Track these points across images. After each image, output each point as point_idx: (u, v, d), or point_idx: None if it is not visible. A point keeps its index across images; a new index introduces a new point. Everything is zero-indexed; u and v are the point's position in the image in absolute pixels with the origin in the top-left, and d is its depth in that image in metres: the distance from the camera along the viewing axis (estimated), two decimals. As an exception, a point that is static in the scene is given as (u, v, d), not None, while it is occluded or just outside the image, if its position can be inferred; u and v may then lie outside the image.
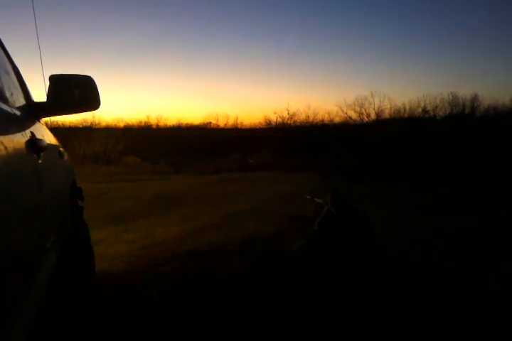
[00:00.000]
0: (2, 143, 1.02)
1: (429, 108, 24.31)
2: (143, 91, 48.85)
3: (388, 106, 26.02)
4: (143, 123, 27.74)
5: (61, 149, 2.59)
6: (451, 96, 23.90)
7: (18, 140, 1.28)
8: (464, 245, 4.51)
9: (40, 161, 1.52)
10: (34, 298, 1.20)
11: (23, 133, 1.42)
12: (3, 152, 1.01)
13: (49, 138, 2.15)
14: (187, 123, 27.80)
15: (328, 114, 27.99)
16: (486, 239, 4.74)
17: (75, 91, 1.97)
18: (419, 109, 24.42)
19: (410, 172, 10.88)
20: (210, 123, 25.77)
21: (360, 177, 10.45)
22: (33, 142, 1.48)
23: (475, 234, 4.92)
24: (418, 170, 10.96)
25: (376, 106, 26.12)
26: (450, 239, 4.80)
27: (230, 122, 29.60)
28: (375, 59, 45.33)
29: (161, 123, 28.30)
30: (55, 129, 3.35)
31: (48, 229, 1.58)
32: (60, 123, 21.37)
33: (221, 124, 29.36)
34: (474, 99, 23.31)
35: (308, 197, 4.70)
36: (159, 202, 8.20)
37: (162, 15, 45.91)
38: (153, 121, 28.24)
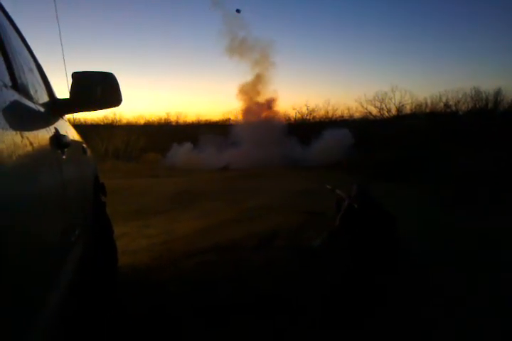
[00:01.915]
0: (27, 139, 1.04)
1: (451, 103, 23.89)
2: (163, 89, 49.33)
3: (409, 101, 25.68)
4: (163, 120, 27.93)
5: (84, 145, 2.63)
6: (473, 91, 23.41)
7: (43, 136, 1.30)
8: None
9: (64, 157, 1.55)
10: (60, 289, 1.23)
11: (48, 129, 1.45)
12: (29, 147, 1.03)
13: (72, 135, 2.18)
14: (206, 120, 27.85)
15: (348, 109, 27.65)
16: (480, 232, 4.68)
17: (97, 88, 1.99)
18: (441, 104, 24.03)
19: (431, 168, 10.71)
20: (230, 119, 25.73)
21: (381, 174, 10.33)
22: (57, 138, 1.50)
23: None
24: (439, 166, 10.80)
25: (397, 101, 25.81)
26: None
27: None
28: (396, 53, 44.83)
29: (181, 120, 28.44)
30: (77, 126, 3.40)
31: (72, 223, 1.61)
32: (82, 120, 21.78)
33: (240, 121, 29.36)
34: (497, 93, 22.73)
35: (328, 187, 4.67)
36: (179, 197, 8.27)
37: (186, 15, 46.13)
38: (172, 118, 28.40)
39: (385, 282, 3.24)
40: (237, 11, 18.36)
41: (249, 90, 20.03)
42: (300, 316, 2.73)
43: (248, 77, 22.33)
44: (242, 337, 2.49)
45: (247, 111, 20.46)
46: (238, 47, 19.36)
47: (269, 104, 20.09)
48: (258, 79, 19.79)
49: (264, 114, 20.03)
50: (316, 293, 3.09)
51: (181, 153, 17.45)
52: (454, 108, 23.75)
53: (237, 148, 17.54)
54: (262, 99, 20.04)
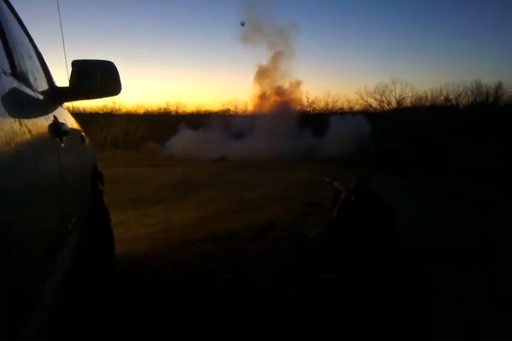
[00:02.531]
0: (26, 126, 1.04)
1: (451, 96, 23.83)
2: (163, 79, 49.08)
3: (410, 94, 25.60)
4: (162, 110, 27.80)
5: (83, 134, 2.63)
6: (474, 85, 23.36)
7: (42, 123, 1.30)
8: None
9: (62, 145, 1.55)
10: (57, 277, 1.24)
11: (46, 117, 1.45)
12: (27, 135, 1.03)
13: (71, 123, 2.18)
14: (206, 110, 27.73)
15: (348, 101, 27.56)
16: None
17: (96, 77, 1.98)
18: (442, 98, 23.97)
19: (433, 161, 10.74)
20: (229, 110, 25.64)
21: (381, 166, 10.34)
22: (56, 126, 1.50)
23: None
24: (440, 159, 10.82)
25: (397, 94, 25.73)
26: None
27: (249, 109, 29.38)
28: (397, 46, 44.56)
29: (180, 110, 28.31)
30: (76, 114, 3.39)
31: (69, 211, 1.61)
32: (81, 108, 21.67)
33: (240, 111, 29.26)
34: (498, 87, 22.68)
35: (326, 179, 4.68)
36: (177, 187, 8.28)
37: (186, 3, 45.73)
38: (172, 108, 28.27)
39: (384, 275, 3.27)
40: (242, 24, 18.10)
41: (270, 71, 18.36)
42: (294, 307, 2.76)
43: (258, 62, 20.12)
44: (239, 325, 2.51)
45: (262, 98, 18.92)
46: (255, 28, 17.97)
47: (292, 88, 18.60)
48: (279, 57, 18.00)
49: (282, 100, 18.48)
50: (311, 285, 3.12)
51: (181, 142, 16.75)
52: (454, 102, 23.75)
53: (241, 138, 16.86)
54: (284, 81, 18.57)
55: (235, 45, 45.53)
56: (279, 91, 18.86)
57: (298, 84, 18.89)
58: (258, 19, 18.23)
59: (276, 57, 18.41)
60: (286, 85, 18.82)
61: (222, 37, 51.53)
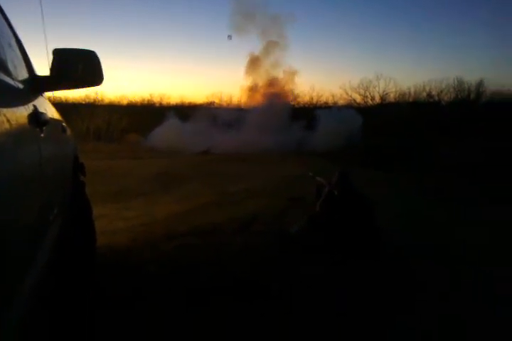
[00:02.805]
0: (4, 116, 1.01)
1: (434, 93, 24.10)
2: (146, 69, 48.51)
3: (393, 89, 25.80)
4: (146, 101, 27.52)
5: (64, 124, 2.58)
6: (456, 82, 23.66)
7: (21, 113, 1.27)
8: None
9: (42, 135, 1.52)
10: (37, 266, 1.22)
11: (26, 106, 1.42)
12: (6, 124, 1.01)
13: (52, 113, 2.14)
14: (190, 102, 27.51)
15: (333, 96, 27.69)
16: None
17: (78, 66, 1.95)
18: (424, 94, 24.22)
19: (415, 156, 10.89)
20: (214, 102, 25.51)
21: (367, 162, 10.44)
22: (36, 115, 1.47)
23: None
24: (422, 155, 10.98)
25: (381, 89, 25.91)
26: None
27: (234, 102, 29.23)
28: (382, 41, 44.82)
29: (164, 102, 28.06)
30: (57, 105, 3.33)
31: (50, 202, 1.59)
32: (63, 98, 21.30)
33: (224, 104, 29.11)
34: (480, 84, 23.03)
35: (310, 174, 4.70)
36: (160, 179, 8.24)
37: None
38: (156, 99, 27.99)
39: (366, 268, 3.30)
40: (229, 37, 17.88)
41: (261, 60, 17.77)
42: (276, 300, 2.77)
43: (250, 52, 19.46)
44: (221, 317, 2.51)
45: (253, 89, 18.51)
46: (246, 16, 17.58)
47: (287, 78, 18.05)
48: (271, 46, 17.47)
49: (274, 91, 17.94)
50: (293, 278, 3.14)
51: (165, 134, 16.40)
52: (436, 98, 24.01)
53: (228, 131, 16.53)
54: (278, 72, 18.09)
55: (221, 37, 45.32)
56: (272, 82, 18.38)
57: (293, 73, 18.39)
58: (250, 7, 17.88)
59: (268, 47, 17.98)
60: (280, 75, 18.37)
61: (207, 28, 51.15)
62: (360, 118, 16.61)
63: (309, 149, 14.60)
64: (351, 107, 22.64)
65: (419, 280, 3.16)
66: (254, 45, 25.18)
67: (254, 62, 18.53)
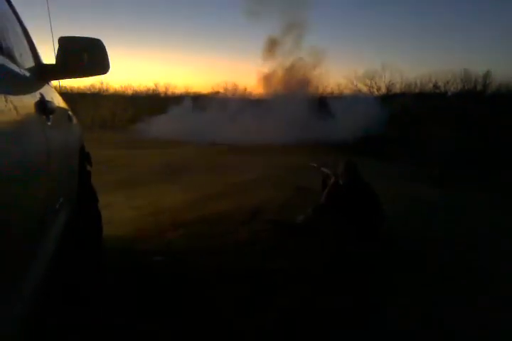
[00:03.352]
0: (11, 103, 1.01)
1: (440, 83, 23.87)
2: (152, 59, 48.34)
3: (399, 80, 25.60)
4: (151, 91, 27.46)
5: (70, 113, 2.58)
6: (463, 73, 23.43)
7: (28, 101, 1.27)
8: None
9: (49, 123, 1.51)
10: (44, 257, 1.23)
11: (33, 94, 1.41)
12: (13, 112, 1.01)
13: (58, 101, 2.13)
14: (195, 92, 27.41)
15: (338, 86, 27.49)
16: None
17: (83, 55, 1.93)
18: (430, 84, 24.01)
19: (417, 147, 10.87)
20: (219, 92, 25.39)
21: (369, 151, 10.41)
22: (43, 103, 1.47)
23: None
24: (425, 145, 10.95)
25: (387, 79, 25.71)
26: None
27: (239, 92, 29.05)
28: (388, 31, 44.30)
29: (169, 92, 27.99)
30: (63, 94, 3.32)
31: (56, 190, 1.59)
32: (68, 88, 21.31)
33: (230, 94, 28.98)
34: (486, 75, 22.81)
35: (314, 165, 4.65)
36: (166, 169, 8.24)
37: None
38: (161, 89, 27.93)
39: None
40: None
41: (280, 44, 16.50)
42: (280, 290, 2.79)
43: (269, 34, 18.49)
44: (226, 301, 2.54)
45: (269, 77, 17.34)
46: None
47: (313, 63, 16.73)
48: (293, 27, 16.20)
49: (296, 79, 16.77)
50: (298, 267, 3.15)
51: (171, 124, 16.15)
52: (442, 88, 23.79)
53: (237, 121, 15.95)
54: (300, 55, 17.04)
55: (228, 27, 44.94)
56: (293, 68, 17.05)
57: (318, 56, 16.78)
58: None
59: (290, 28, 16.65)
60: (305, 58, 17.03)
61: (214, 17, 50.77)
62: (383, 109, 15.86)
63: (325, 140, 13.86)
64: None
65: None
66: (262, 34, 24.72)
67: (272, 45, 17.51)
